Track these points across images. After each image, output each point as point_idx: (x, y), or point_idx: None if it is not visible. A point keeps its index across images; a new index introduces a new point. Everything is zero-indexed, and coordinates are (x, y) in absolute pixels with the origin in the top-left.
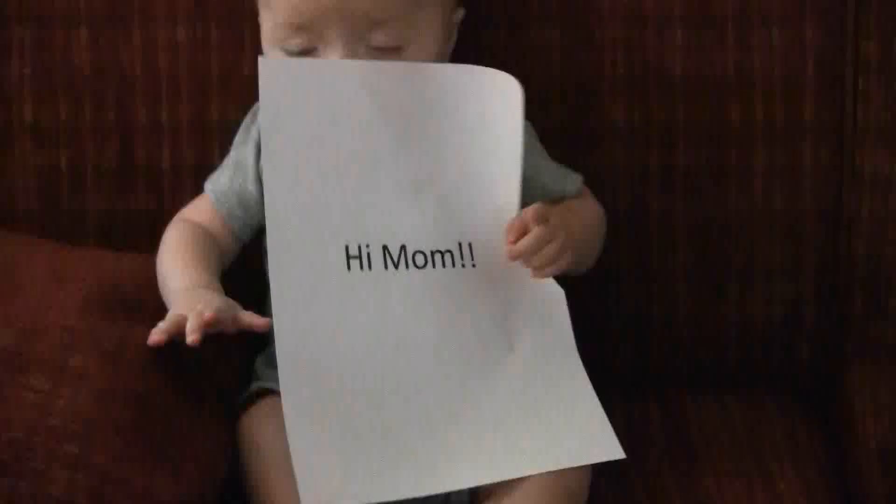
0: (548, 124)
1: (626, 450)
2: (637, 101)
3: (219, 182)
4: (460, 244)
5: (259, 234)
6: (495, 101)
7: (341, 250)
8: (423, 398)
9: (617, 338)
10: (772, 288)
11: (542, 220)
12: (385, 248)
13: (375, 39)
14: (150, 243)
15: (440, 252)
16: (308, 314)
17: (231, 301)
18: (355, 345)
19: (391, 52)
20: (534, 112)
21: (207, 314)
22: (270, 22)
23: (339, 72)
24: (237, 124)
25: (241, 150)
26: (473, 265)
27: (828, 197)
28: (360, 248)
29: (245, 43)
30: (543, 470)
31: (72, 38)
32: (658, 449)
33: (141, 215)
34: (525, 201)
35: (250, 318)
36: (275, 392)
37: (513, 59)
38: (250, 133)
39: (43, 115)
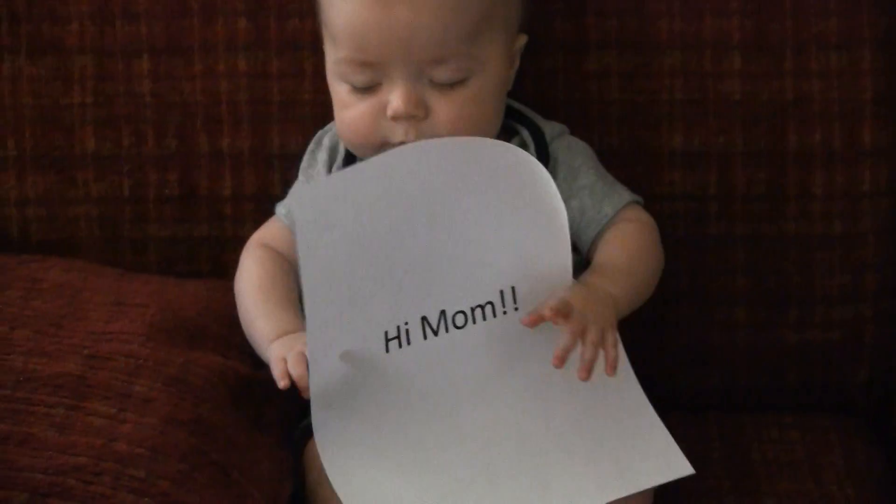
0: (606, 149)
1: None
2: (695, 126)
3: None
4: (501, 291)
5: None
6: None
7: (380, 338)
8: (484, 453)
9: (676, 363)
10: (831, 311)
11: (562, 314)
12: (424, 318)
13: (438, 76)
14: (212, 271)
15: (480, 306)
16: (349, 410)
17: None
18: (402, 420)
19: (456, 85)
20: (592, 137)
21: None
22: (334, 56)
23: (366, 174)
24: (297, 153)
25: (308, 174)
26: (516, 308)
27: (886, 219)
28: (398, 328)
29: (305, 71)
30: (617, 496)
31: (133, 67)
32: (718, 471)
33: (202, 243)
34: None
35: None
36: None
37: (571, 84)
38: (316, 157)
39: (104, 144)
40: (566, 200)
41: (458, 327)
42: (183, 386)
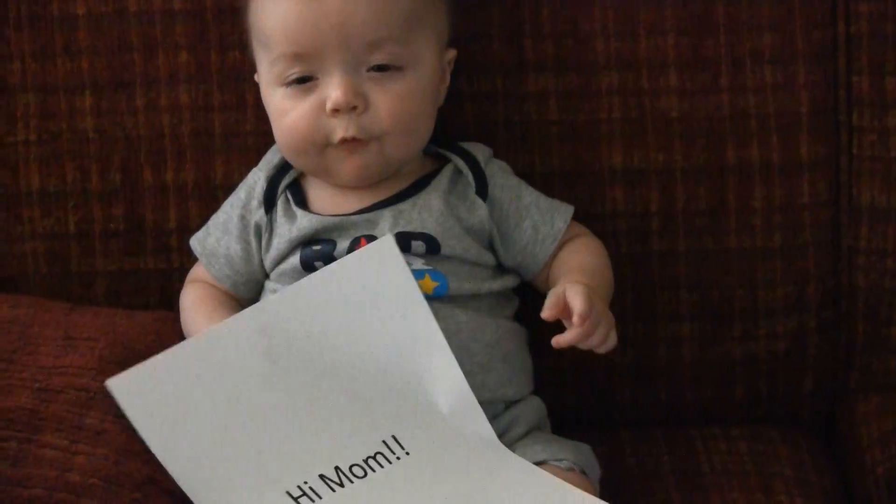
0: (547, 170)
1: (637, 485)
2: (635, 144)
3: (207, 243)
4: (384, 441)
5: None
6: (380, 273)
7: (284, 497)
8: None
9: (623, 377)
10: (775, 322)
11: (584, 318)
12: (322, 476)
13: (374, 59)
14: (160, 302)
15: (371, 456)
16: None
17: None
18: None
19: (393, 72)
20: (532, 158)
21: None
22: (267, 61)
23: (202, 349)
24: (240, 183)
25: (225, 210)
26: (407, 453)
27: (826, 231)
28: (300, 487)
29: (247, 102)
30: None
31: (76, 103)
32: (668, 484)
33: (150, 275)
34: (518, 243)
35: None
36: None
37: (511, 105)
38: (237, 194)
39: (50, 181)
40: (518, 222)
41: (359, 478)
42: None
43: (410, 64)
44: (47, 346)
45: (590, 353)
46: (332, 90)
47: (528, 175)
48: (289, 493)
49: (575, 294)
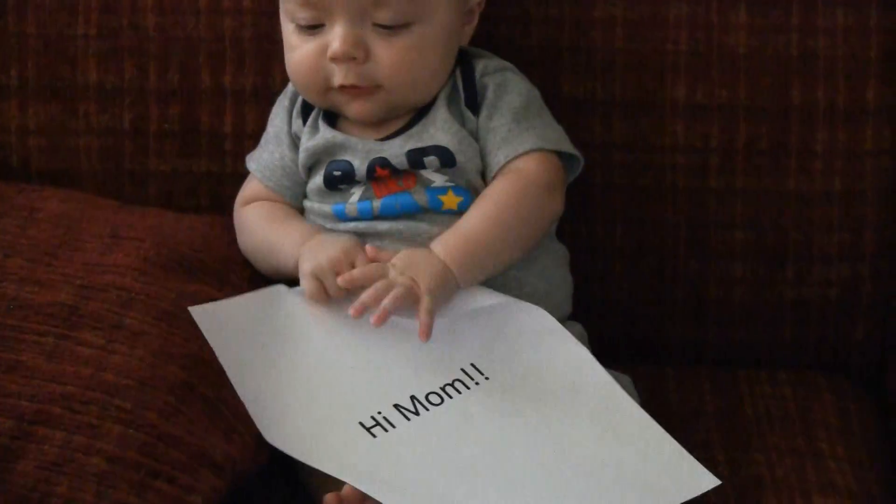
0: (608, 98)
1: (678, 423)
2: (699, 78)
3: (262, 159)
4: (462, 369)
5: (304, 197)
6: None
7: (358, 428)
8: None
9: (673, 315)
10: (829, 268)
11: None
12: (397, 406)
13: (379, 18)
14: (211, 205)
15: (448, 384)
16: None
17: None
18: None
19: (398, 29)
20: (594, 86)
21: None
22: None
23: (279, 295)
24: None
25: (274, 123)
26: (486, 378)
27: (887, 178)
28: (373, 417)
29: None
30: None
31: (138, 0)
32: (709, 423)
33: (202, 178)
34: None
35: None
36: None
37: (577, 31)
38: (282, 104)
39: (107, 77)
40: (479, 139)
41: (435, 405)
42: (175, 320)
43: (418, 18)
44: (93, 243)
45: (639, 286)
46: (334, 39)
47: (589, 103)
48: (361, 424)
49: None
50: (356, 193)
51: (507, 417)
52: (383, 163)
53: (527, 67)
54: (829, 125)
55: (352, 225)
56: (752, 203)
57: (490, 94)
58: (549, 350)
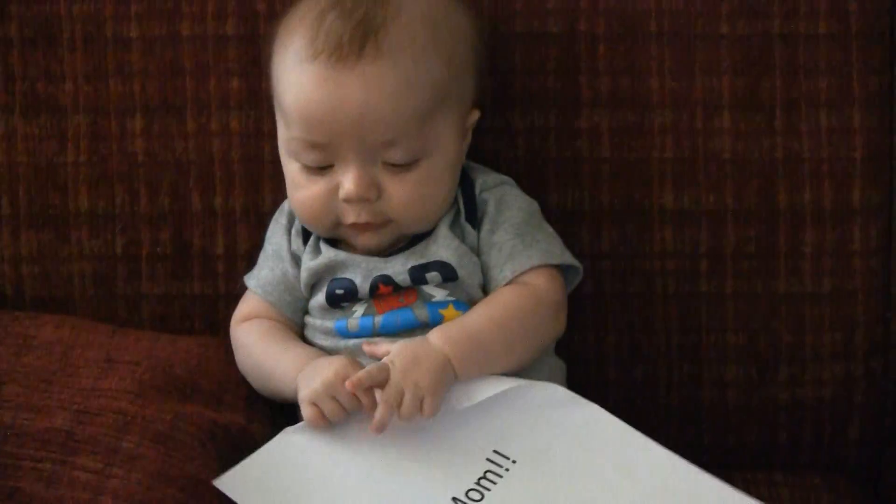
0: (596, 207)
1: None
2: (686, 184)
3: (261, 276)
4: (488, 459)
5: (304, 312)
6: None
7: None
8: None
9: (667, 420)
10: (821, 368)
11: (377, 384)
12: None
13: (390, 157)
14: (205, 327)
15: (481, 477)
16: None
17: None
18: None
19: (408, 165)
20: (582, 195)
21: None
22: (286, 133)
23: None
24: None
25: (273, 241)
26: (514, 462)
27: (877, 278)
28: None
29: None
30: None
31: (127, 125)
32: None
33: (196, 300)
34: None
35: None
36: None
37: (563, 142)
38: (280, 223)
39: (98, 203)
40: (481, 255)
41: (478, 501)
42: (172, 443)
43: (427, 153)
44: (88, 368)
45: (633, 392)
46: (347, 181)
47: (577, 213)
48: None
49: (377, 368)
50: (358, 311)
51: (549, 495)
52: (386, 280)
53: (514, 179)
54: (817, 226)
55: (352, 342)
56: (743, 306)
57: (491, 209)
58: (566, 418)
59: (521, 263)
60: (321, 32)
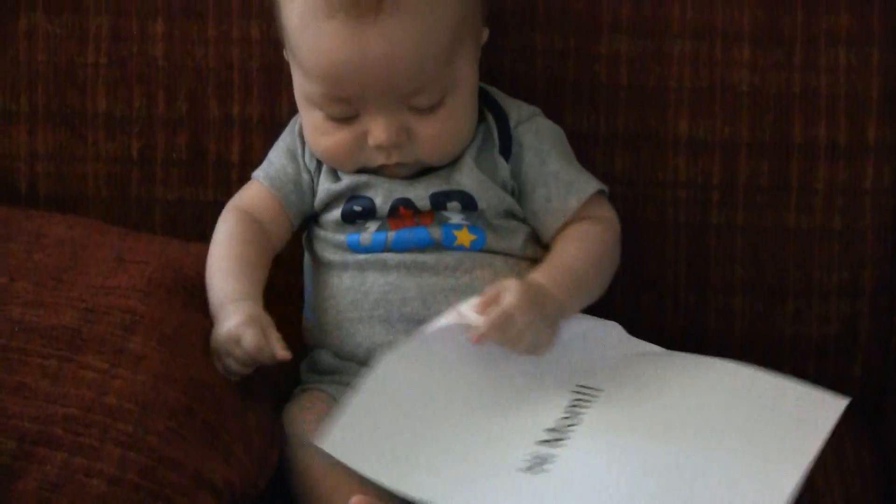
0: (611, 132)
1: None
2: (701, 114)
3: (271, 170)
4: (574, 391)
5: (305, 222)
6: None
7: (519, 475)
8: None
9: (672, 346)
10: (828, 304)
11: (500, 330)
12: (541, 442)
13: (417, 102)
14: None
15: (571, 405)
16: None
17: (265, 320)
18: None
19: (433, 107)
20: (598, 119)
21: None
22: (306, 85)
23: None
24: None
25: (287, 140)
26: (601, 390)
27: (887, 216)
28: (526, 461)
29: None
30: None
31: (147, 29)
32: None
33: (208, 207)
34: (530, 208)
35: (280, 353)
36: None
37: (581, 66)
38: (294, 131)
39: (116, 105)
40: (534, 187)
41: (575, 426)
42: (177, 345)
43: (450, 90)
44: (98, 267)
45: (639, 317)
46: (377, 129)
47: (592, 137)
48: (520, 469)
49: (505, 290)
50: (372, 226)
51: (643, 416)
52: (406, 203)
53: (531, 100)
54: (830, 163)
55: (361, 257)
56: (753, 239)
57: (532, 141)
58: (636, 348)
59: (583, 191)
60: None
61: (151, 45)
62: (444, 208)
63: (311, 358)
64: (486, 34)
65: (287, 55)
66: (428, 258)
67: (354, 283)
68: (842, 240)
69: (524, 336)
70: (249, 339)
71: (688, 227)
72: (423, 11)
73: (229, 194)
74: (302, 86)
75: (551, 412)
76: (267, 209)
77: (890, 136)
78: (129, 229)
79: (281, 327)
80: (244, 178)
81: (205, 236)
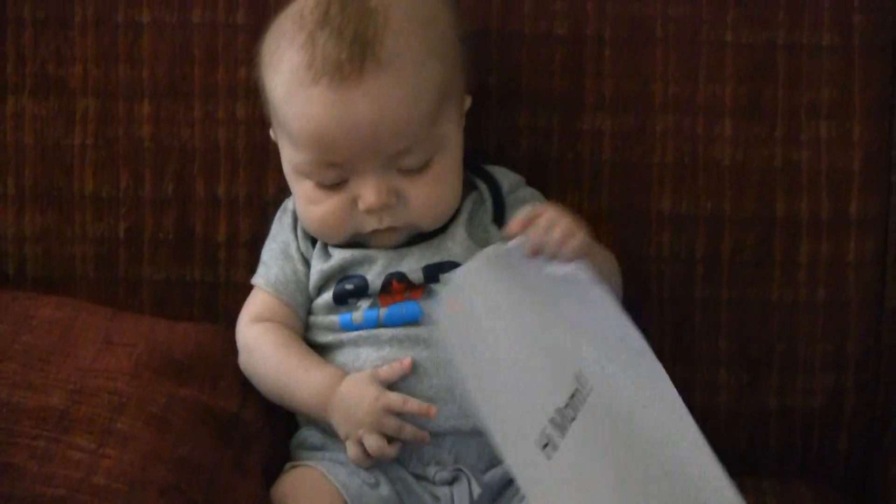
0: (595, 209)
1: None
2: (685, 189)
3: (271, 275)
4: (576, 376)
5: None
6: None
7: (533, 447)
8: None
9: None
10: (812, 377)
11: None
12: (551, 420)
13: (405, 163)
14: (205, 313)
15: (572, 395)
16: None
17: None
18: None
19: (421, 168)
20: (581, 196)
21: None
22: (294, 156)
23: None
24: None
25: (279, 240)
26: (591, 388)
27: (870, 289)
28: (543, 434)
29: None
30: None
31: (134, 110)
32: None
33: (196, 286)
34: None
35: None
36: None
37: (565, 142)
38: (284, 222)
39: (103, 186)
40: None
41: (573, 420)
42: (165, 424)
43: (438, 151)
44: (86, 349)
45: None
46: (367, 193)
47: (575, 212)
48: (535, 442)
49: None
50: (363, 304)
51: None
52: (400, 277)
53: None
54: (813, 236)
55: (354, 334)
56: (737, 312)
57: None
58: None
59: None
60: (317, 55)
61: (138, 126)
62: (437, 280)
63: (300, 435)
64: (468, 102)
65: (274, 134)
66: (421, 331)
67: (348, 358)
68: (825, 312)
69: (575, 235)
70: (396, 401)
71: (672, 302)
72: (407, 72)
73: (216, 274)
74: (291, 158)
75: (560, 393)
76: (280, 314)
77: (872, 208)
78: (117, 309)
79: (271, 405)
80: (231, 258)
81: (192, 316)
